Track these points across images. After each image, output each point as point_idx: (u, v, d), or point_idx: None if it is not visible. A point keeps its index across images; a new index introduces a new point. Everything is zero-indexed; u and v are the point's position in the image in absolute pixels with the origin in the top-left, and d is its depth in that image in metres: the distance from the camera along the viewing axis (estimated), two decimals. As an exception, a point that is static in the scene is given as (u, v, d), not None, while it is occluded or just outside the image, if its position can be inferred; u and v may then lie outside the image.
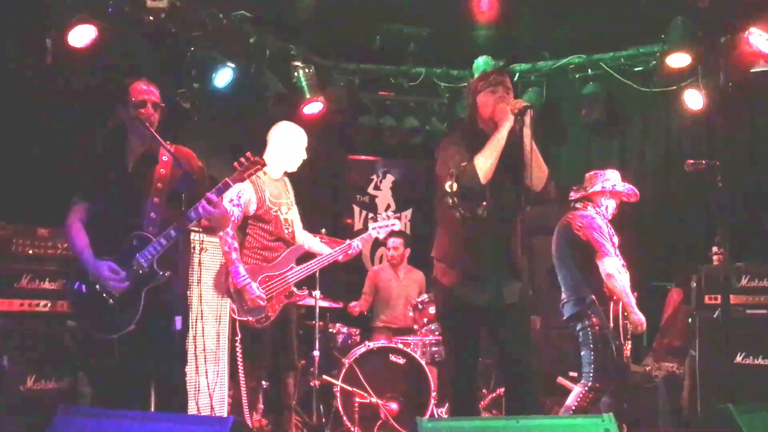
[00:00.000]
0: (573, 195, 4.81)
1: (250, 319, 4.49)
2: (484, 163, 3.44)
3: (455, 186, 3.52)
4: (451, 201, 3.56)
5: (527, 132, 3.42)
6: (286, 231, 4.67)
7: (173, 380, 3.60)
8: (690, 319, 5.37)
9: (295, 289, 4.65)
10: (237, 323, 4.57)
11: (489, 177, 3.46)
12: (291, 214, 4.74)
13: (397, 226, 5.47)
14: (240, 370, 4.61)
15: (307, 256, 4.86)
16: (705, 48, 6.09)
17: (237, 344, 4.57)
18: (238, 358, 4.60)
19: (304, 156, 4.83)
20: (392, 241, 6.79)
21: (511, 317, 3.65)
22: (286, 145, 4.76)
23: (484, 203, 3.56)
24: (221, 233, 4.41)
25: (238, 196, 4.52)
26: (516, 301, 3.64)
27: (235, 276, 4.44)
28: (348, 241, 4.99)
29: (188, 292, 4.11)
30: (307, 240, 4.96)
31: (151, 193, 3.57)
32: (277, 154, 4.74)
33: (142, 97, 3.57)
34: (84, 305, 3.55)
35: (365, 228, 6.08)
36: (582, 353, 4.59)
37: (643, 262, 5.83)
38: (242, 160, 3.57)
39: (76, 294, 3.55)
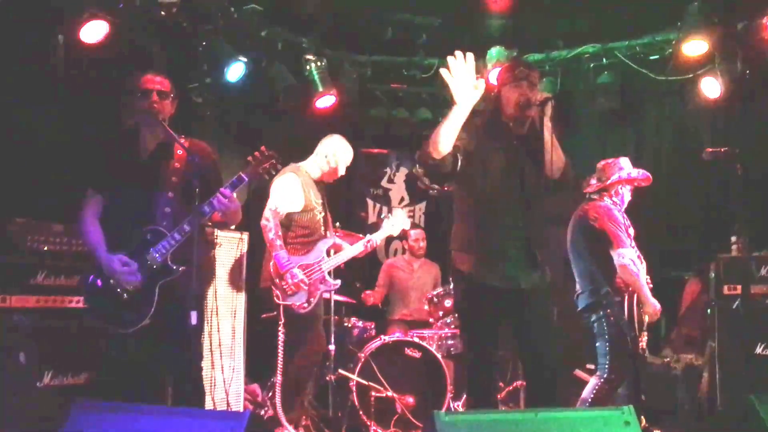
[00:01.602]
0: (589, 187, 4.77)
1: (295, 303, 4.71)
2: (439, 133, 3.44)
3: (420, 157, 3.59)
4: (415, 171, 3.63)
5: (547, 123, 3.43)
6: (320, 231, 4.97)
7: (189, 375, 3.59)
8: (708, 310, 5.32)
9: (328, 278, 4.93)
10: (281, 308, 4.74)
11: (446, 149, 3.45)
12: (323, 216, 5.03)
13: (407, 225, 5.64)
14: (279, 356, 4.75)
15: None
16: (722, 35, 5.99)
17: (280, 329, 4.74)
18: (280, 344, 4.75)
19: (343, 173, 5.14)
20: (414, 233, 6.79)
21: (530, 305, 3.63)
22: (341, 160, 5.06)
23: (453, 179, 3.62)
24: (264, 222, 4.72)
25: (282, 192, 4.82)
26: (536, 288, 3.62)
27: (279, 261, 4.70)
28: (368, 236, 5.23)
29: (204, 287, 4.11)
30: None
31: (165, 187, 3.57)
32: (328, 163, 5.04)
33: (147, 86, 3.56)
34: (99, 300, 3.55)
35: (379, 221, 6.11)
36: (597, 345, 4.57)
37: (660, 252, 5.78)
38: (256, 154, 3.56)
39: (91, 288, 3.55)
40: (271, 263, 4.74)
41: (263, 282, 4.90)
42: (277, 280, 4.72)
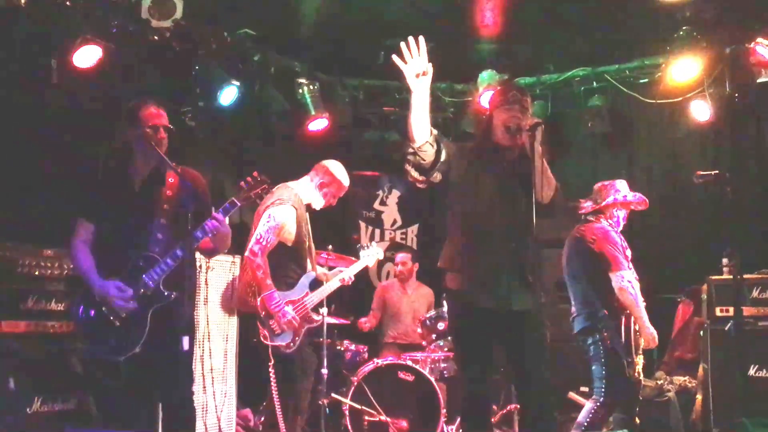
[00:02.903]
0: (584, 208, 4.77)
1: (281, 344, 4.54)
2: (408, 127, 3.56)
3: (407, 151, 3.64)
4: (404, 166, 3.69)
5: (537, 147, 3.45)
6: (309, 260, 4.82)
7: (181, 401, 3.56)
8: (701, 332, 5.32)
9: (312, 314, 4.76)
10: (270, 350, 4.55)
11: (420, 136, 3.53)
12: (308, 246, 4.85)
13: (381, 254, 5.58)
14: (274, 396, 4.60)
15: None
16: (710, 59, 6.07)
17: (270, 370, 4.57)
18: (272, 385, 4.59)
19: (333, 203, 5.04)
20: (400, 257, 6.78)
21: (523, 328, 3.62)
22: (340, 185, 4.94)
23: (439, 173, 3.64)
24: (251, 257, 4.50)
25: (277, 225, 4.60)
26: (528, 310, 3.61)
27: (269, 301, 4.49)
28: (342, 271, 5.10)
29: (195, 311, 4.09)
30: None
31: (157, 214, 3.57)
32: (322, 191, 4.90)
33: (155, 122, 3.58)
34: (91, 329, 3.53)
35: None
36: (593, 368, 4.55)
37: (651, 275, 5.78)
38: (249, 179, 3.56)
39: (82, 319, 3.53)
40: (258, 299, 4.52)
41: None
42: (266, 320, 4.53)
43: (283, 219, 4.62)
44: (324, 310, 5.09)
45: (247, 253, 4.59)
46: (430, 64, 3.49)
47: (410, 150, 3.59)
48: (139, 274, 3.48)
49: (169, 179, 3.63)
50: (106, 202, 3.60)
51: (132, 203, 3.58)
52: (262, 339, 4.54)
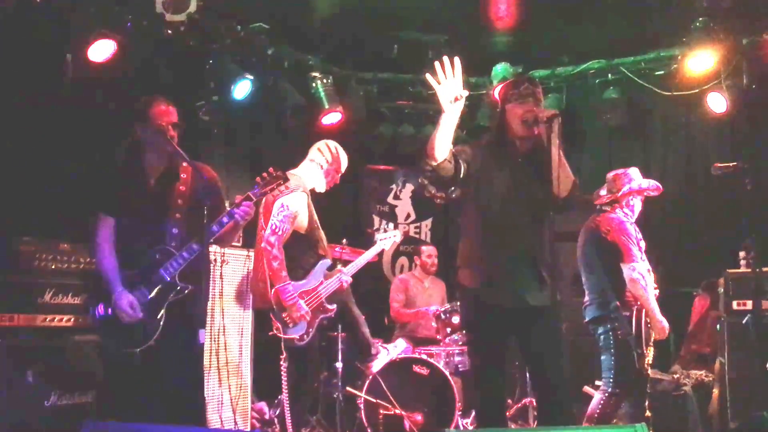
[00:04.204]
0: (600, 199, 4.74)
1: (294, 336, 4.54)
2: (432, 141, 3.45)
3: (422, 166, 3.58)
4: (421, 181, 3.61)
5: (555, 140, 3.40)
6: (319, 251, 4.78)
7: (194, 394, 3.59)
8: (718, 326, 5.28)
9: (326, 304, 4.74)
10: (282, 342, 4.57)
11: (441, 155, 3.44)
12: (320, 234, 4.83)
13: (399, 237, 5.59)
14: (284, 389, 4.61)
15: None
16: (727, 50, 6.01)
17: (282, 363, 4.58)
18: (283, 378, 4.60)
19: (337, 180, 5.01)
20: (428, 250, 6.75)
21: (540, 323, 3.59)
22: (335, 165, 4.92)
23: (457, 187, 3.61)
24: (267, 248, 4.48)
25: (291, 214, 4.58)
26: (545, 306, 3.58)
27: (283, 293, 4.48)
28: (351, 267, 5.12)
29: (210, 305, 4.11)
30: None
31: (172, 209, 3.60)
32: (323, 171, 4.88)
33: (162, 121, 3.58)
34: (107, 324, 3.55)
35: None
36: (602, 357, 4.54)
37: (668, 268, 5.75)
38: (264, 175, 3.56)
39: (101, 315, 3.56)
40: (272, 291, 4.52)
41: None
42: (279, 312, 4.53)
43: (296, 207, 4.61)
44: (334, 306, 5.08)
45: (263, 244, 4.55)
46: (466, 90, 3.44)
47: (429, 167, 3.52)
48: (156, 268, 3.51)
49: (183, 175, 3.66)
50: (123, 197, 3.62)
51: (147, 199, 3.60)
52: (275, 331, 4.54)
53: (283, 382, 4.62)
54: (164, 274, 3.50)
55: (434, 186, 3.64)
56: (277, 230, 4.53)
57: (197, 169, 3.53)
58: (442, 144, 3.44)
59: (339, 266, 5.14)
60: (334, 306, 4.80)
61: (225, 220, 3.51)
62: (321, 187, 4.93)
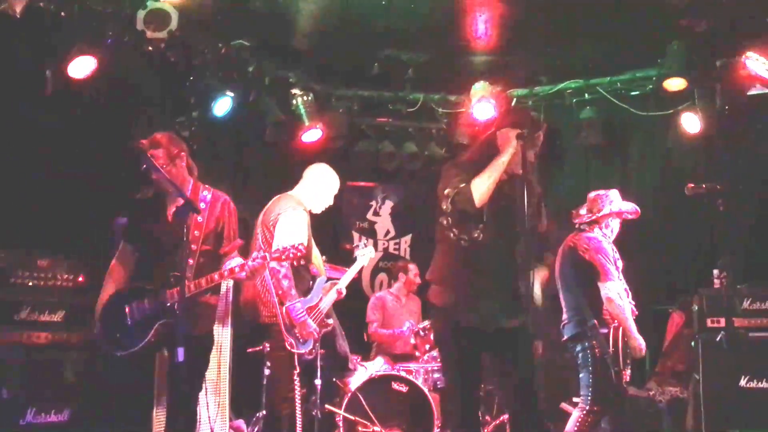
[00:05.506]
0: (580, 219, 4.80)
1: (305, 351, 4.66)
2: (481, 186, 3.46)
3: (450, 207, 3.55)
4: (446, 222, 3.59)
5: (531, 159, 3.49)
6: (317, 267, 4.90)
7: (182, 408, 3.77)
8: (693, 343, 5.35)
9: (326, 318, 4.89)
10: (295, 357, 4.62)
11: (485, 200, 3.46)
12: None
13: (373, 253, 5.77)
14: (297, 401, 4.64)
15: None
16: (701, 72, 6.12)
17: (295, 377, 4.62)
18: (297, 390, 4.64)
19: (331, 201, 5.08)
20: (413, 268, 6.77)
21: (511, 341, 3.62)
22: (332, 187, 5.04)
23: (480, 226, 3.55)
24: (276, 266, 4.51)
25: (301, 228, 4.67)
26: (517, 326, 3.61)
27: (293, 311, 4.57)
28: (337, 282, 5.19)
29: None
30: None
31: (188, 241, 3.70)
32: (319, 193, 4.98)
33: (152, 173, 3.72)
34: (110, 315, 3.71)
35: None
36: (581, 375, 4.58)
37: (643, 286, 5.80)
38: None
39: (106, 315, 3.71)
40: (283, 309, 4.57)
41: (266, 317, 4.76)
42: (291, 329, 4.60)
43: (297, 222, 4.67)
44: (332, 320, 5.15)
45: (273, 264, 4.34)
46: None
47: (471, 210, 3.50)
48: (164, 290, 3.66)
49: (198, 219, 3.80)
50: (142, 228, 3.83)
51: (165, 231, 3.76)
52: (288, 347, 4.60)
53: (296, 396, 4.64)
54: (169, 298, 3.66)
55: (460, 229, 3.60)
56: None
57: (192, 206, 3.61)
58: (490, 189, 3.48)
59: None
60: (332, 321, 4.96)
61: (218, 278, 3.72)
62: (317, 210, 5.00)
